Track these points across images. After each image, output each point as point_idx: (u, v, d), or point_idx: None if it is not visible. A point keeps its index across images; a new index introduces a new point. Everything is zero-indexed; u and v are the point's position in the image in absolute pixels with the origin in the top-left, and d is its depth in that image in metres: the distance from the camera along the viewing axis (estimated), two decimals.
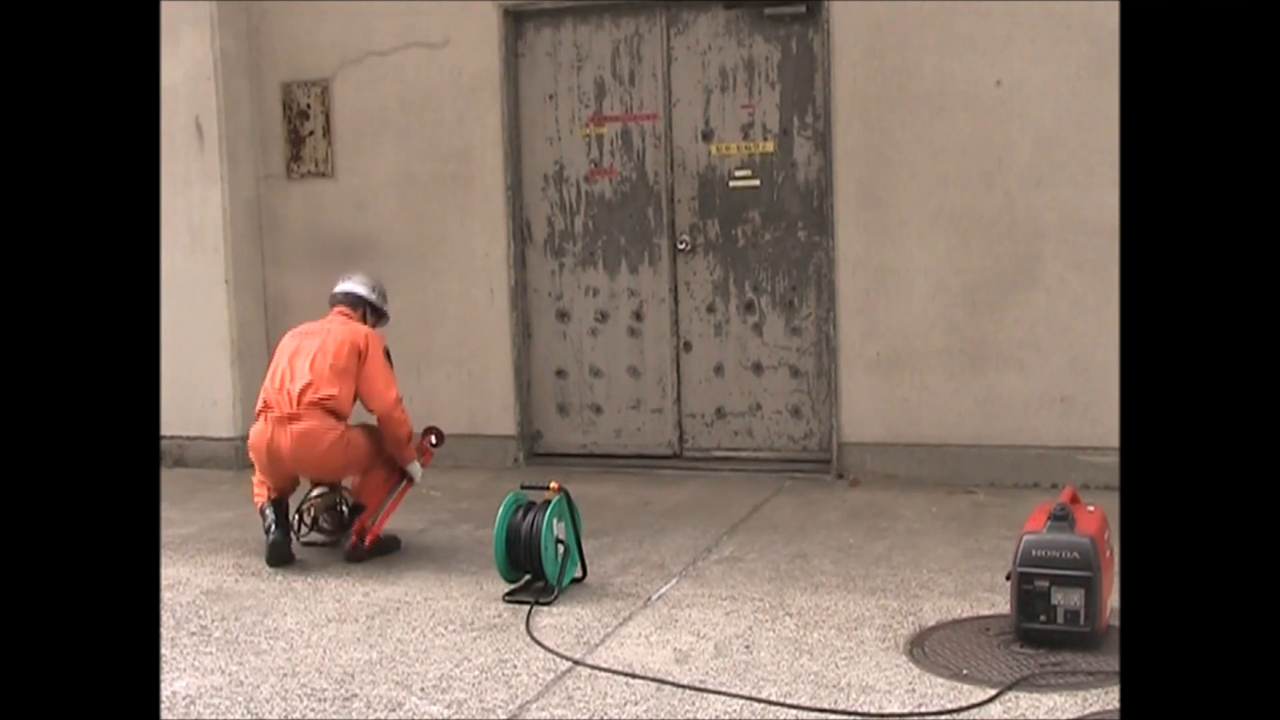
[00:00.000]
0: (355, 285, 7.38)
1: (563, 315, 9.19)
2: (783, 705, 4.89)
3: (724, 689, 5.03)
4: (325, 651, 5.59)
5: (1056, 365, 8.03)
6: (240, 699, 5.09)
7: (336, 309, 7.28)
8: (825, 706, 4.87)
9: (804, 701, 4.92)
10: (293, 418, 6.76)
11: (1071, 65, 7.86)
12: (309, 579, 6.63)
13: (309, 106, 9.43)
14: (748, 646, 5.51)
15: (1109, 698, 4.86)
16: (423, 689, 5.16)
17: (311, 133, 9.46)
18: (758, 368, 8.78)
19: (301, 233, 9.60)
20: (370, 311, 7.34)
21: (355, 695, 5.10)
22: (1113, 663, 5.15)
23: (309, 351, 6.91)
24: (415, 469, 7.20)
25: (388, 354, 7.07)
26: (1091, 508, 5.59)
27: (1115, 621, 5.44)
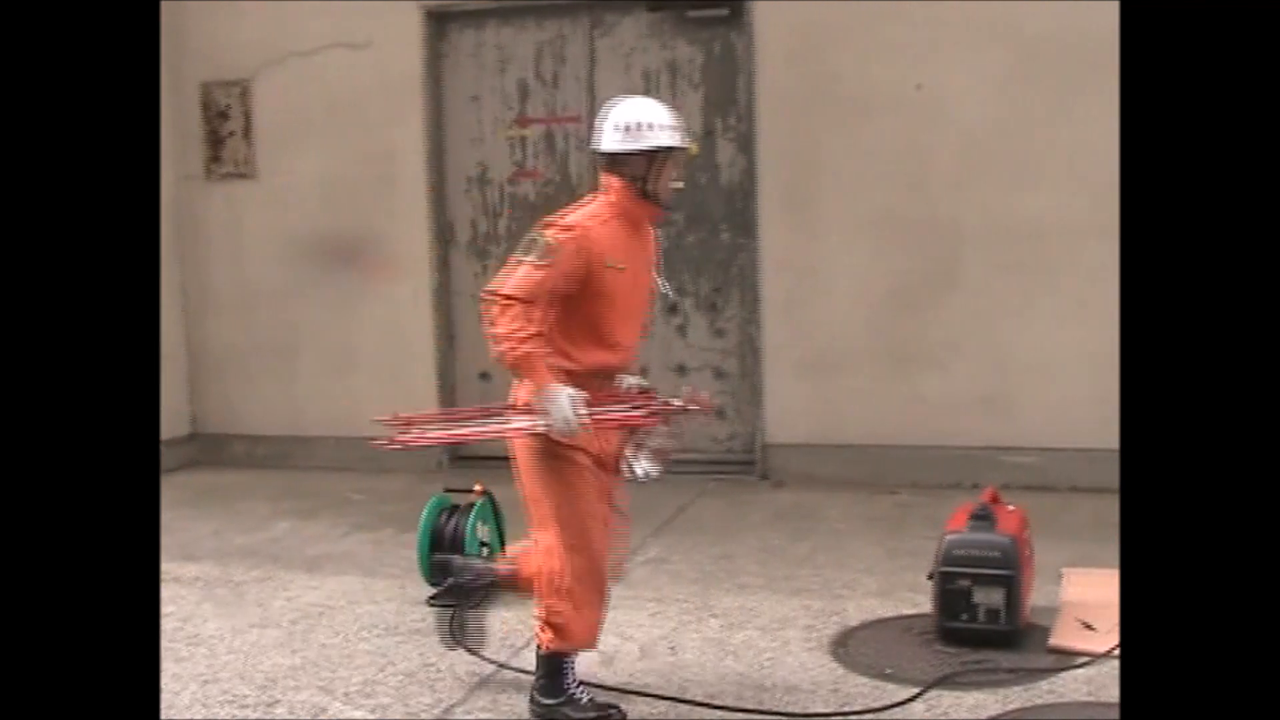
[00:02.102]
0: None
1: None
2: (708, 706, 4.90)
3: (649, 690, 5.03)
4: (247, 657, 5.54)
5: (978, 366, 8.11)
6: (160, 706, 5.02)
7: None
8: (750, 707, 4.88)
9: (729, 702, 4.93)
10: None
11: (993, 70, 7.94)
12: (231, 584, 6.57)
13: (229, 107, 9.34)
14: (673, 648, 5.51)
15: (1029, 695, 4.91)
16: (346, 694, 5.12)
17: (232, 133, 9.36)
18: (682, 369, 8.79)
19: (221, 233, 9.50)
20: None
21: (278, 701, 5.05)
22: (1033, 660, 5.21)
23: None
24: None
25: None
26: (1012, 507, 5.65)
27: (1035, 620, 5.50)
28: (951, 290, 8.11)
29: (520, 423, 4.69)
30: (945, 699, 4.89)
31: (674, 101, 8.62)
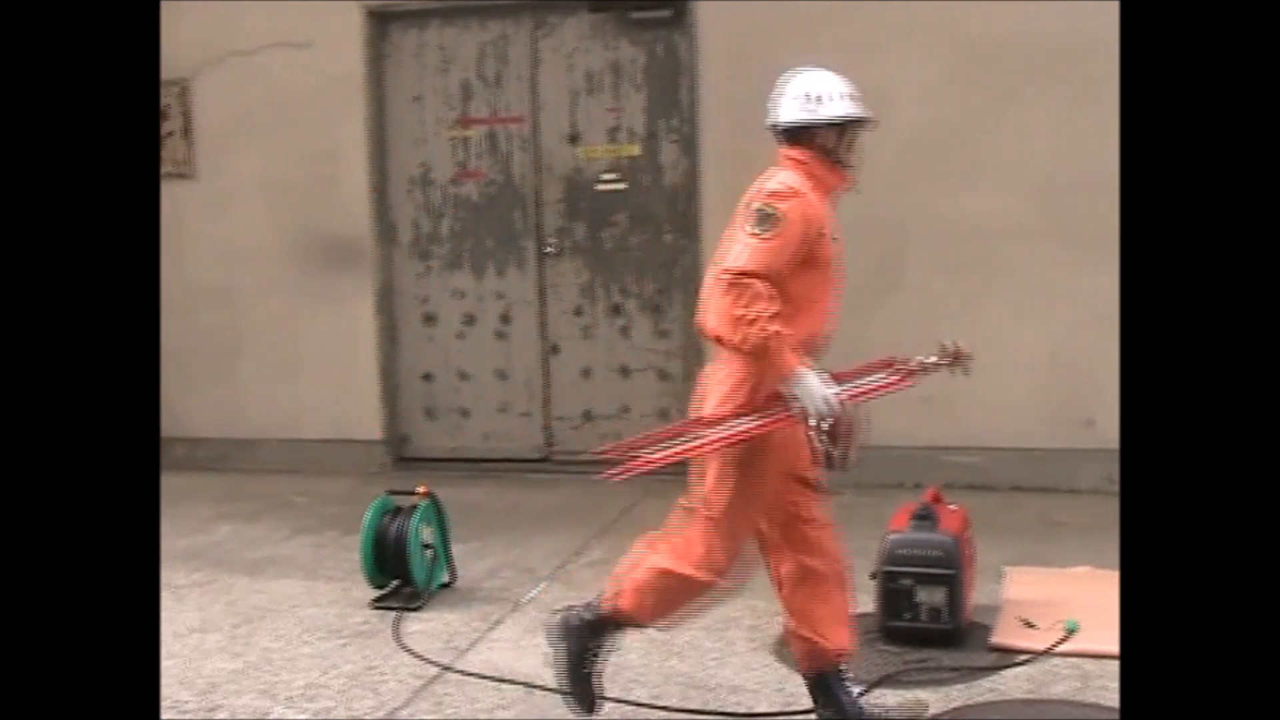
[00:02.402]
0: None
1: (429, 319, 9.13)
2: (652, 707, 4.90)
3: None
4: (188, 662, 5.49)
5: None
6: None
7: None
8: (695, 707, 4.89)
9: (673, 703, 4.94)
10: None
11: (936, 72, 7.99)
12: (172, 588, 6.51)
13: (168, 106, 9.25)
14: (617, 649, 5.50)
15: (971, 693, 4.94)
16: (289, 698, 5.09)
17: (170, 133, 9.28)
18: (625, 371, 8.79)
19: (161, 234, 9.41)
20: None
21: (219, 706, 5.01)
22: (975, 659, 5.24)
23: None
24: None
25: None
26: (954, 507, 5.69)
27: (977, 618, 5.54)
28: (894, 291, 8.15)
29: (748, 422, 4.36)
30: (889, 698, 4.91)
31: (617, 103, 8.64)
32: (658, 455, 4.58)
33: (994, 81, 7.91)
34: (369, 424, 9.15)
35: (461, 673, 5.27)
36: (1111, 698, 4.87)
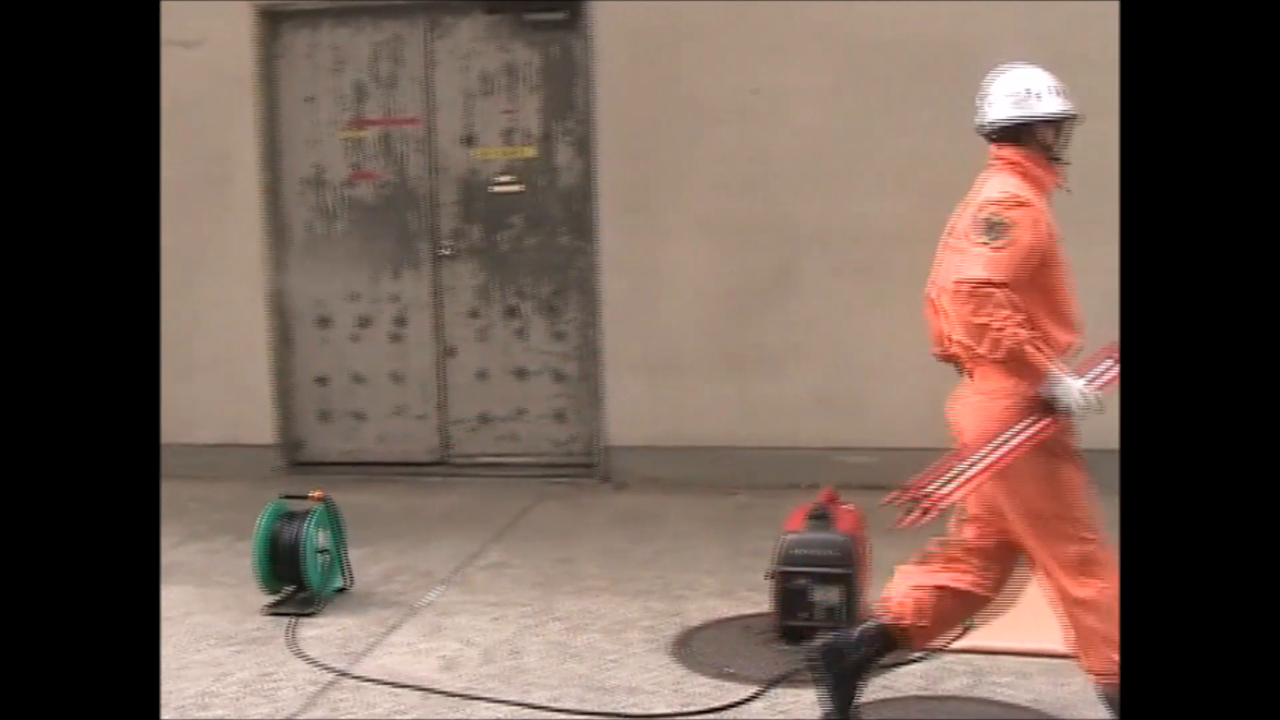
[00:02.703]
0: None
1: (323, 321, 9.03)
2: (550, 710, 4.90)
3: (491, 695, 5.02)
4: None
5: (818, 368, 8.21)
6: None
7: None
8: (593, 709, 4.89)
9: (572, 705, 4.93)
10: None
11: (830, 75, 8.05)
12: None
13: None
14: (515, 652, 5.50)
15: (867, 691, 4.98)
16: (181, 706, 5.01)
17: None
18: (522, 373, 8.77)
19: None
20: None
21: None
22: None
23: None
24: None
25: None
26: (849, 506, 5.73)
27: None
28: (789, 293, 8.21)
29: (1025, 428, 4.26)
30: (785, 697, 4.95)
31: (512, 104, 8.62)
32: (951, 489, 4.39)
33: (888, 85, 7.99)
34: (262, 428, 9.03)
35: (358, 678, 5.23)
36: (1003, 693, 4.95)
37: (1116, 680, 4.11)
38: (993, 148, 4.59)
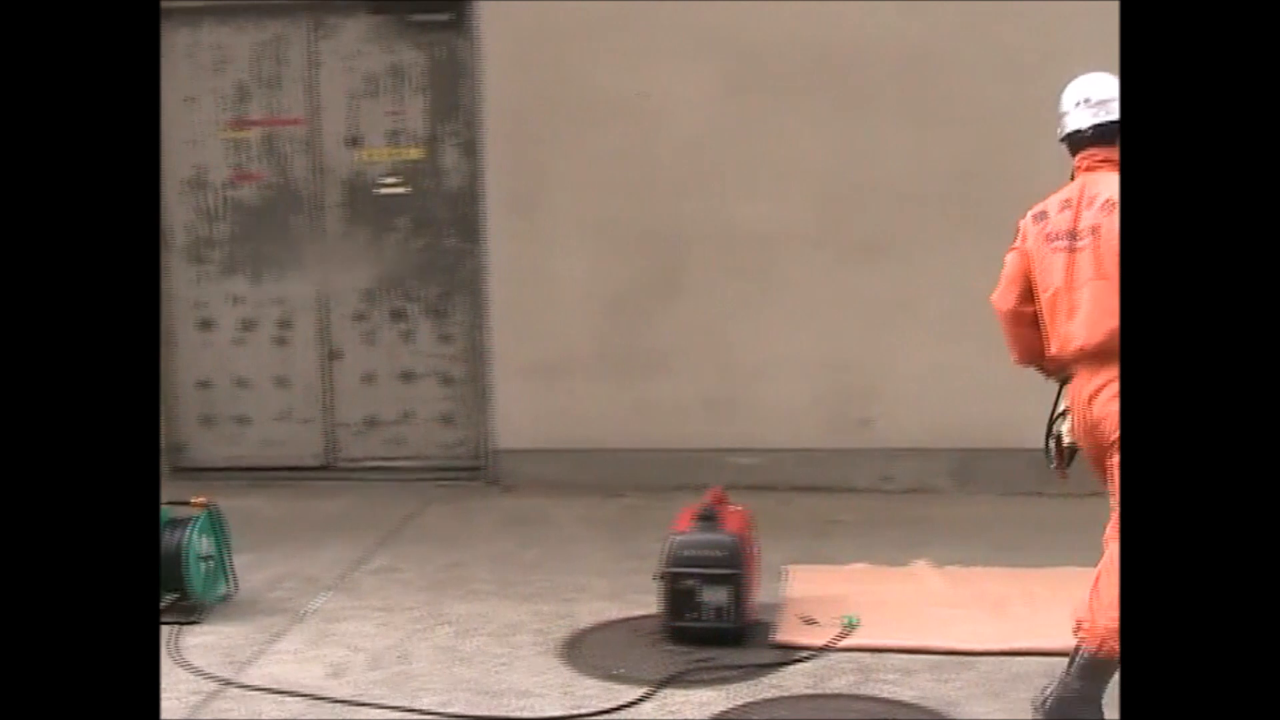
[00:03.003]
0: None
1: (206, 324, 8.90)
2: (440, 715, 4.87)
3: (380, 701, 4.98)
4: None
5: (704, 369, 8.25)
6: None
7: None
8: (482, 714, 4.87)
9: (461, 710, 4.91)
10: None
11: (715, 79, 8.09)
12: None
13: None
14: (403, 657, 5.46)
15: (755, 690, 5.03)
16: None
17: None
18: (409, 376, 8.71)
19: None
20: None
21: None
22: (758, 656, 5.33)
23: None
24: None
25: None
26: (736, 507, 5.77)
27: (760, 616, 5.64)
28: (676, 295, 8.25)
29: None
30: (674, 697, 4.97)
31: (398, 106, 8.57)
32: None
33: (771, 88, 8.05)
34: None
35: (243, 687, 5.16)
36: (889, 690, 5.01)
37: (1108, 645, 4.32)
38: (1088, 151, 4.68)
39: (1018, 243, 4.86)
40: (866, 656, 5.31)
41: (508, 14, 8.22)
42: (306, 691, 5.08)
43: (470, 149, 8.48)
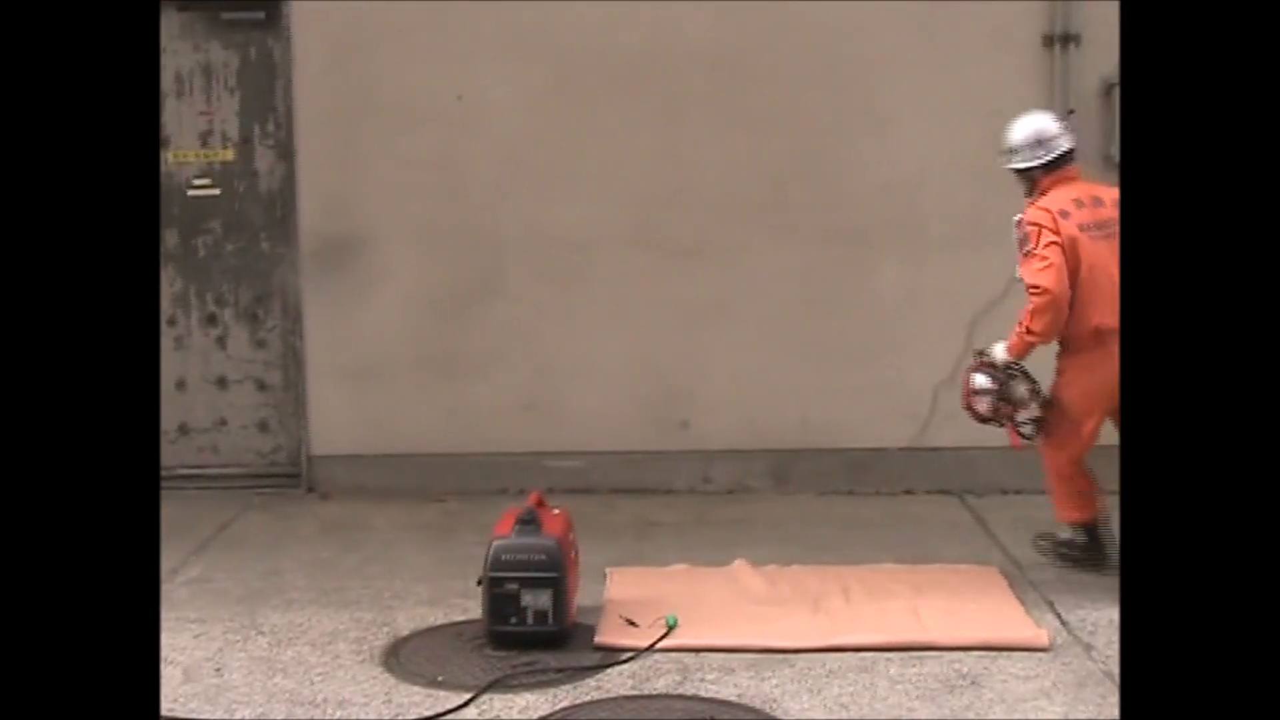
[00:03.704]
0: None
1: None
2: None
3: (195, 715, 4.88)
4: None
5: (521, 373, 8.25)
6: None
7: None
8: None
9: None
10: None
11: (531, 83, 8.09)
12: None
13: None
14: (218, 669, 5.36)
15: (578, 693, 5.04)
16: None
17: None
18: (222, 382, 8.54)
19: None
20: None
21: None
22: (581, 659, 5.35)
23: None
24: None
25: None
26: (557, 510, 5.78)
27: (582, 619, 5.66)
28: (493, 298, 8.22)
29: None
30: (497, 702, 4.97)
31: (209, 106, 8.39)
32: None
33: (588, 92, 8.08)
34: None
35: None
36: (710, 688, 5.07)
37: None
38: (1057, 173, 6.02)
39: (1052, 237, 5.80)
40: (687, 656, 5.37)
41: (321, 14, 8.11)
42: None
43: (284, 151, 8.34)
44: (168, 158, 8.45)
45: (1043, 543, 6.47)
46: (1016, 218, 6.00)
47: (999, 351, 6.11)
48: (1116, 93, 7.67)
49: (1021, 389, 6.05)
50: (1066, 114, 7.63)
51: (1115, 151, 7.65)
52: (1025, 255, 5.89)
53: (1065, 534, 6.37)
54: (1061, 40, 7.88)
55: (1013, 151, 6.08)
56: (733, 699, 4.98)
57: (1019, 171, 6.11)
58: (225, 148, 8.44)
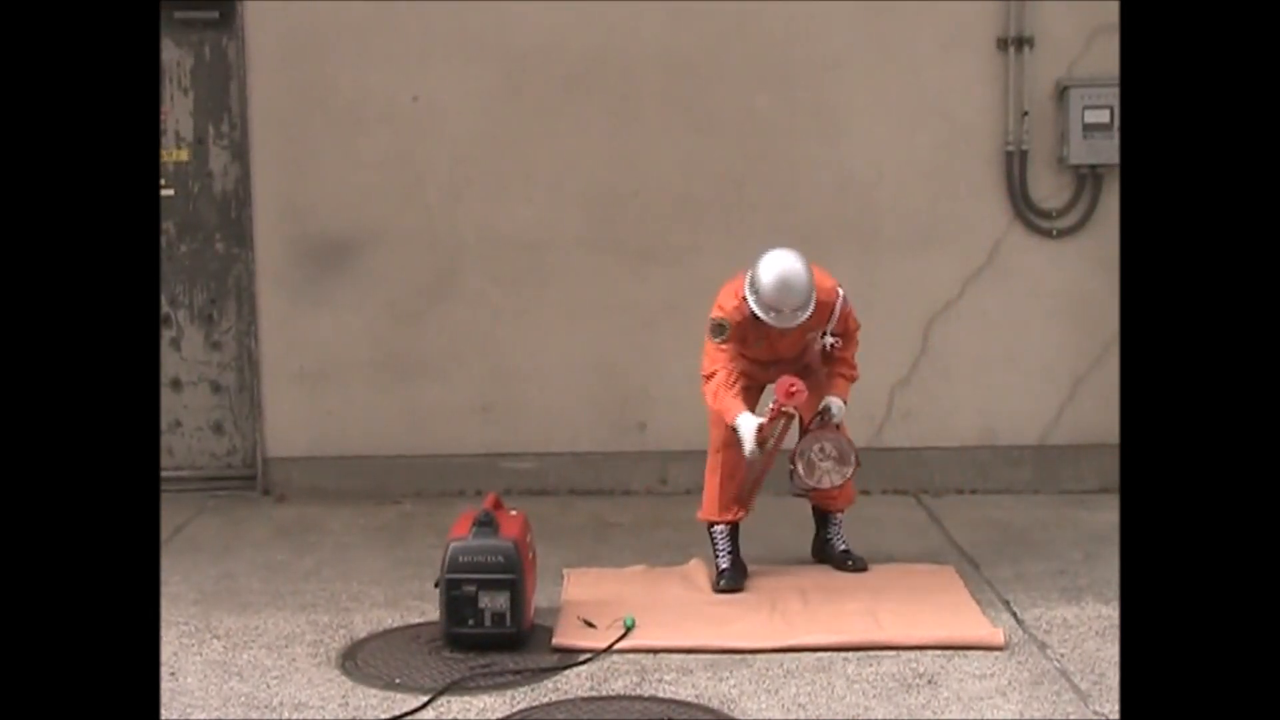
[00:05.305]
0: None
1: None
2: None
3: None
4: None
5: (477, 375, 8.23)
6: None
7: None
8: None
9: None
10: None
11: (485, 85, 8.08)
12: None
13: None
14: (173, 673, 5.33)
15: (536, 694, 5.04)
16: None
17: None
18: (176, 384, 8.48)
19: None
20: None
21: None
22: (538, 660, 5.36)
23: None
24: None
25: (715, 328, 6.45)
26: (514, 512, 5.78)
27: (539, 620, 5.66)
28: (450, 300, 8.20)
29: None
30: (454, 704, 4.96)
31: (163, 106, 8.33)
32: None
33: (543, 93, 8.08)
34: None
35: None
36: (668, 689, 5.08)
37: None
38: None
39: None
40: (645, 657, 5.37)
41: (275, 13, 8.07)
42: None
43: (239, 151, 8.30)
44: None
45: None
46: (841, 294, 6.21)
47: (836, 409, 6.31)
48: (1070, 95, 7.75)
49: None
50: (1021, 116, 7.72)
51: (1068, 154, 7.73)
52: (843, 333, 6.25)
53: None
54: (1015, 43, 7.93)
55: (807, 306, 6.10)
56: (690, 699, 4.99)
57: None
58: (179, 148, 8.39)
